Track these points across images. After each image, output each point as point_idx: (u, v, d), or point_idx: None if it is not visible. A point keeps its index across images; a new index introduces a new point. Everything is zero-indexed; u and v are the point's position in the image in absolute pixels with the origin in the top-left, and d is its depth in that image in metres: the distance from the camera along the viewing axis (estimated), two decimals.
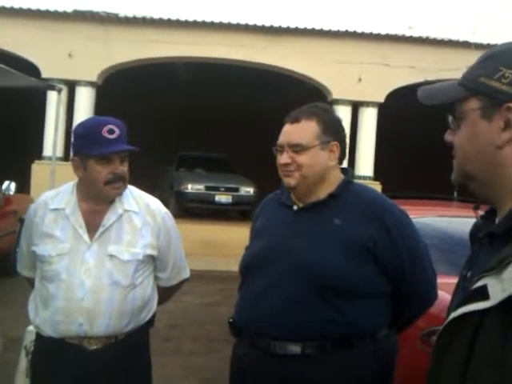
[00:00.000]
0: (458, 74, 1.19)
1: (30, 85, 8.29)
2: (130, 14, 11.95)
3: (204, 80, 15.32)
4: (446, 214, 4.46)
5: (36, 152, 12.13)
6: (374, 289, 2.01)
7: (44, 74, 11.77)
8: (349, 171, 2.21)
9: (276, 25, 12.05)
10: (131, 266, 2.22)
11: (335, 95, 12.49)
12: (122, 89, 14.09)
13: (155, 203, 2.38)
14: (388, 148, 14.07)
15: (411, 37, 12.30)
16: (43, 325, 2.23)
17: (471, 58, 1.24)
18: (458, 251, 3.10)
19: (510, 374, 0.87)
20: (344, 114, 11.25)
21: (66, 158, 11.22)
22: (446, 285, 1.96)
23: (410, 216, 2.15)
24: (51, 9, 11.76)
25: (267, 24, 12.03)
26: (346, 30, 12.19)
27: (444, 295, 2.07)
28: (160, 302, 2.43)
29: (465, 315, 0.95)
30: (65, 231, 2.23)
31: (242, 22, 11.98)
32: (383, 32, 12.22)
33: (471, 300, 0.95)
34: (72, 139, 2.32)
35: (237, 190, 12.59)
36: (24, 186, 10.80)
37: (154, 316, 2.38)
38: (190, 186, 12.38)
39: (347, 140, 2.20)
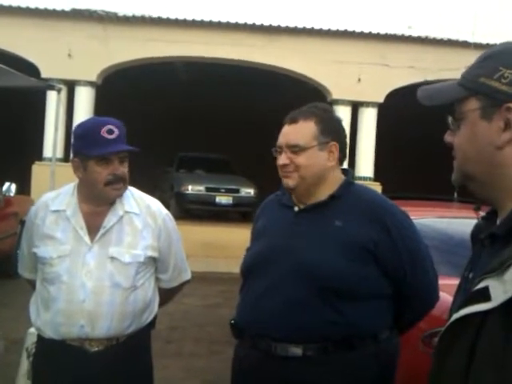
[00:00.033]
0: (457, 74, 1.19)
1: (30, 85, 8.29)
2: (129, 13, 11.95)
3: (203, 80, 15.33)
4: (446, 214, 4.45)
5: (36, 153, 12.13)
6: (374, 290, 2.01)
7: (43, 74, 11.77)
8: (349, 172, 2.21)
9: (275, 24, 12.05)
10: (132, 267, 2.22)
11: (335, 95, 12.49)
12: (121, 88, 14.09)
13: (156, 205, 2.37)
14: (388, 148, 14.07)
15: (411, 37, 12.30)
16: (44, 327, 2.23)
17: (471, 57, 1.24)
18: (458, 252, 3.09)
19: None
20: (343, 114, 11.24)
21: (66, 159, 11.23)
22: (447, 286, 1.96)
23: (411, 217, 2.15)
24: (50, 7, 11.75)
25: (266, 23, 12.03)
26: (346, 30, 12.19)
27: (445, 297, 2.06)
28: (161, 304, 2.43)
29: (466, 317, 0.95)
30: (65, 233, 2.23)
31: (242, 21, 11.98)
32: (383, 32, 12.22)
33: (473, 301, 0.95)
34: (72, 140, 2.32)
35: (237, 191, 12.58)
36: (24, 188, 10.80)
37: (155, 318, 2.38)
38: (190, 187, 12.37)
39: (347, 140, 2.20)
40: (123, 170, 2.22)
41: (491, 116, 1.05)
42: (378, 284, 2.01)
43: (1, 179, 8.25)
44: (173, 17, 11.91)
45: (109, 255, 2.20)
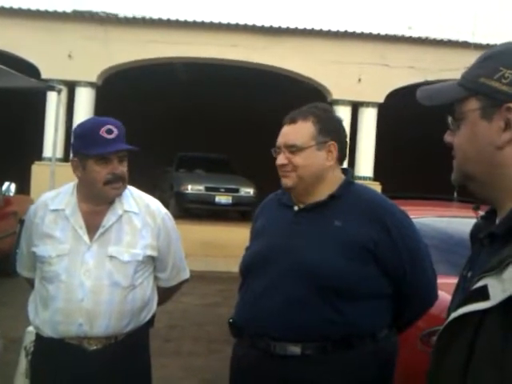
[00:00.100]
0: (457, 75, 1.19)
1: (30, 86, 8.29)
2: (130, 15, 11.95)
3: (203, 80, 15.33)
4: (445, 214, 4.46)
5: (36, 153, 12.13)
6: (374, 289, 2.01)
7: (44, 75, 11.77)
8: (349, 171, 2.21)
9: (276, 25, 12.06)
10: (131, 266, 2.22)
11: (335, 95, 12.50)
12: (121, 89, 14.09)
13: (155, 204, 2.38)
14: (388, 148, 14.07)
15: (411, 37, 12.30)
16: (43, 325, 2.23)
17: (471, 58, 1.24)
18: (458, 251, 3.10)
19: (511, 374, 0.87)
20: (344, 114, 11.24)
21: (65, 158, 11.22)
22: (446, 285, 1.96)
23: (410, 216, 2.15)
24: (50, 9, 11.76)
25: (267, 24, 12.03)
26: (346, 31, 12.19)
27: (444, 295, 2.07)
28: (160, 303, 2.43)
29: (465, 315, 0.95)
30: (65, 232, 2.23)
31: (242, 22, 11.99)
32: (383, 32, 12.22)
33: (471, 300, 0.95)
34: (72, 140, 2.32)
35: (237, 190, 12.59)
36: (24, 187, 10.80)
37: (153, 316, 2.38)
38: (189, 187, 12.37)
39: (347, 140, 2.20)
40: (122, 169, 2.23)
41: (491, 116, 1.05)
42: (377, 283, 2.01)
43: (0, 179, 8.25)
44: (173, 18, 11.91)
45: (108, 254, 2.21)
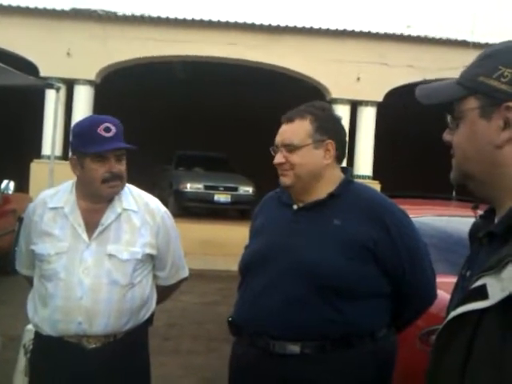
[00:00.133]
0: (456, 73, 1.19)
1: (29, 83, 8.28)
2: (128, 13, 11.94)
3: (202, 79, 15.32)
4: (445, 213, 4.46)
5: (35, 151, 12.12)
6: (373, 289, 2.01)
7: (42, 73, 11.77)
8: (348, 170, 2.21)
9: (275, 23, 12.05)
10: (130, 265, 2.22)
11: (334, 94, 12.50)
12: (120, 87, 14.07)
13: (154, 202, 2.37)
14: (387, 147, 14.07)
15: (410, 36, 12.30)
16: (42, 323, 2.23)
17: (469, 57, 1.24)
18: (457, 250, 3.10)
19: (509, 373, 0.87)
20: (342, 113, 11.23)
21: (64, 157, 11.22)
22: (445, 284, 1.96)
23: (410, 215, 2.16)
24: (49, 7, 11.75)
25: (266, 23, 12.03)
26: (345, 29, 12.19)
27: (443, 294, 2.06)
28: (159, 301, 2.43)
29: (464, 314, 0.95)
30: (63, 230, 2.23)
31: (241, 20, 11.98)
32: (382, 31, 12.22)
33: (470, 299, 0.95)
34: (70, 138, 2.32)
35: (236, 189, 12.59)
36: (23, 185, 10.80)
37: (152, 315, 2.38)
38: (188, 185, 12.37)
39: (347, 139, 2.20)
40: (120, 167, 2.22)
41: (490, 115, 1.05)
42: (377, 282, 2.01)
43: None
44: (172, 16, 11.91)
45: (106, 252, 2.21)
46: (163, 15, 11.91)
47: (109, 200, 2.26)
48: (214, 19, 11.95)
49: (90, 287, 2.17)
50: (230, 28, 12.10)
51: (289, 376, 1.97)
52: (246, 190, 12.59)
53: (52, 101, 10.30)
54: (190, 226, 10.50)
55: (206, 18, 11.94)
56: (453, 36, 12.17)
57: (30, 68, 11.03)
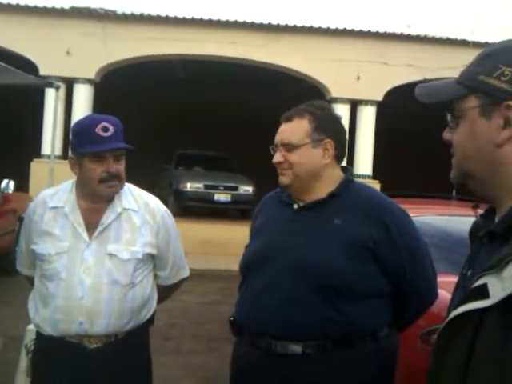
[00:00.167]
0: (456, 73, 1.19)
1: (28, 82, 8.27)
2: (128, 11, 11.93)
3: (202, 78, 15.32)
4: (445, 212, 4.46)
5: (34, 150, 12.12)
6: (374, 288, 2.01)
7: (42, 72, 11.76)
8: (348, 170, 2.21)
9: (275, 22, 12.05)
10: (130, 264, 2.22)
11: (334, 93, 12.49)
12: (120, 86, 14.08)
13: (155, 202, 2.37)
14: (386, 147, 14.07)
15: (409, 35, 12.30)
16: (43, 323, 2.23)
17: (469, 56, 1.24)
18: (457, 250, 3.10)
19: (511, 372, 0.87)
20: (342, 112, 11.23)
21: (64, 156, 11.22)
22: (446, 283, 1.96)
23: (410, 215, 2.15)
24: (48, 5, 11.74)
25: (266, 21, 12.03)
26: (345, 28, 12.19)
27: (444, 294, 2.07)
28: (159, 301, 2.43)
29: (465, 314, 0.95)
30: (64, 229, 2.23)
31: (241, 19, 11.97)
32: (381, 30, 12.22)
33: (471, 298, 0.95)
34: (70, 137, 2.32)
35: (236, 188, 12.58)
36: (23, 185, 10.79)
37: (153, 315, 2.38)
38: (188, 185, 12.36)
39: (346, 138, 2.20)
40: (118, 167, 2.21)
41: (491, 114, 1.05)
42: (377, 282, 2.01)
43: None
44: (172, 15, 11.90)
45: (107, 252, 2.20)
46: (163, 14, 11.90)
47: (109, 199, 2.26)
48: (214, 18, 11.95)
49: (91, 287, 2.17)
50: (229, 27, 12.09)
51: (290, 376, 1.97)
52: (246, 189, 12.58)
53: (52, 100, 10.30)
54: (190, 225, 10.50)
55: (205, 17, 11.94)
56: (453, 35, 12.16)
57: (29, 67, 11.02)
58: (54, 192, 2.34)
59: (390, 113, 12.81)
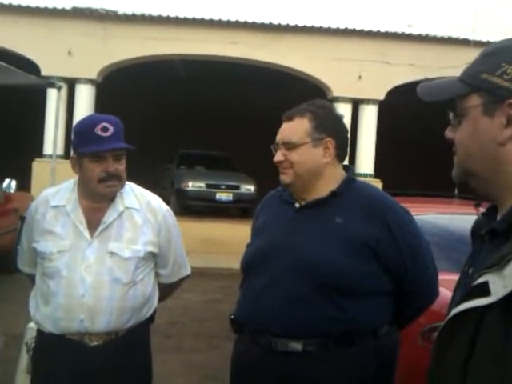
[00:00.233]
0: (457, 72, 1.18)
1: (30, 83, 8.28)
2: (129, 12, 11.94)
3: (203, 78, 15.33)
4: (447, 211, 4.46)
5: (36, 150, 12.13)
6: (375, 286, 2.01)
7: (44, 72, 11.77)
8: (350, 168, 2.21)
9: (276, 22, 12.05)
10: (132, 263, 2.23)
11: (335, 93, 12.49)
12: (121, 86, 14.08)
13: (156, 201, 2.38)
14: (388, 146, 14.06)
15: (411, 34, 12.30)
16: (44, 321, 2.23)
17: (471, 55, 1.24)
18: (459, 248, 3.10)
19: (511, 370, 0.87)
20: (344, 111, 11.23)
21: (66, 156, 11.23)
22: (447, 281, 1.96)
23: (412, 213, 2.15)
24: (50, 6, 11.75)
25: (267, 21, 12.03)
26: (346, 28, 12.18)
27: (445, 292, 2.06)
28: (160, 299, 2.43)
29: (466, 311, 0.95)
30: (65, 228, 2.23)
31: (242, 19, 11.97)
32: (383, 30, 12.22)
33: (472, 296, 0.95)
34: (72, 137, 2.32)
35: (237, 187, 12.58)
36: (25, 184, 10.81)
37: (154, 312, 2.38)
38: (190, 184, 12.36)
39: (348, 137, 2.20)
40: (117, 167, 2.21)
41: (493, 112, 1.05)
42: (379, 281, 2.01)
43: (1, 176, 8.26)
44: (173, 15, 11.91)
45: (108, 250, 2.21)
46: (164, 14, 11.91)
47: (111, 198, 2.26)
48: (215, 18, 11.95)
49: (92, 285, 2.18)
50: (231, 27, 12.09)
51: (291, 374, 1.97)
52: (248, 188, 12.59)
53: (53, 100, 10.32)
54: (192, 224, 10.51)
55: (206, 17, 11.94)
56: (454, 34, 12.16)
57: (31, 67, 11.04)
58: (55, 191, 2.35)
59: (392, 112, 12.81)
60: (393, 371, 2.08)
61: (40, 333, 2.29)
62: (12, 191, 8.17)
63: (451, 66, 10.56)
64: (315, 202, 2.08)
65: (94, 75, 12.20)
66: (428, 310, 2.22)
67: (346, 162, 2.23)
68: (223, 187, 12.47)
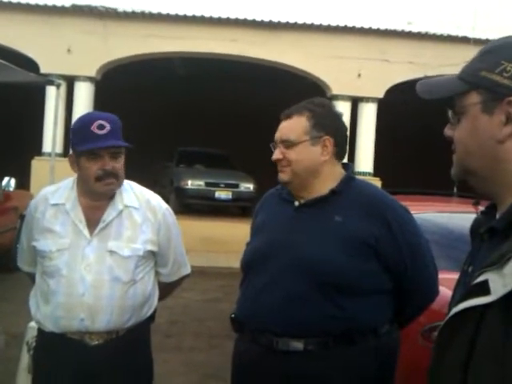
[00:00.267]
0: (457, 70, 1.18)
1: (29, 80, 8.27)
2: (129, 9, 11.93)
3: (203, 75, 15.32)
4: (446, 209, 4.46)
5: (36, 148, 12.12)
6: (375, 285, 2.01)
7: (43, 70, 11.75)
8: (350, 167, 2.21)
9: (275, 20, 12.04)
10: (132, 261, 2.22)
11: (335, 91, 12.48)
12: (121, 84, 14.07)
13: (156, 199, 2.37)
14: (387, 144, 14.06)
15: (410, 32, 12.28)
16: (44, 320, 2.23)
17: (470, 53, 1.23)
18: (458, 247, 3.10)
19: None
20: (343, 109, 11.17)
21: (65, 154, 11.22)
22: (447, 280, 1.96)
23: (411, 212, 2.15)
24: (49, 3, 11.74)
25: (266, 19, 12.02)
26: (346, 26, 12.17)
27: (445, 291, 2.06)
28: (160, 298, 2.43)
29: (466, 310, 0.95)
30: (65, 226, 2.23)
31: (241, 16, 11.97)
32: (383, 27, 12.20)
33: (472, 295, 0.95)
34: (70, 135, 2.32)
35: (237, 186, 12.58)
36: (24, 182, 10.80)
37: (154, 312, 2.38)
38: (190, 182, 12.37)
39: (347, 135, 2.20)
40: (114, 165, 2.20)
41: (492, 110, 1.05)
42: (378, 279, 2.01)
43: (0, 174, 8.25)
44: (172, 13, 11.89)
45: (108, 249, 2.21)
46: (163, 11, 11.90)
47: (110, 197, 2.26)
48: (215, 15, 11.94)
49: (92, 284, 2.17)
50: (230, 24, 12.08)
51: (292, 372, 1.97)
52: (247, 186, 12.59)
53: (52, 97, 10.30)
54: (192, 223, 10.51)
55: (206, 15, 11.93)
56: (454, 32, 12.15)
57: (30, 65, 11.02)
58: (55, 189, 2.34)
59: (391, 110, 12.81)
60: (393, 370, 2.08)
61: (41, 332, 2.29)
62: (11, 189, 8.16)
63: (451, 63, 10.55)
64: (314, 200, 2.08)
65: (93, 73, 12.19)
66: (428, 309, 2.22)
67: (345, 160, 2.23)
68: (222, 185, 12.47)
